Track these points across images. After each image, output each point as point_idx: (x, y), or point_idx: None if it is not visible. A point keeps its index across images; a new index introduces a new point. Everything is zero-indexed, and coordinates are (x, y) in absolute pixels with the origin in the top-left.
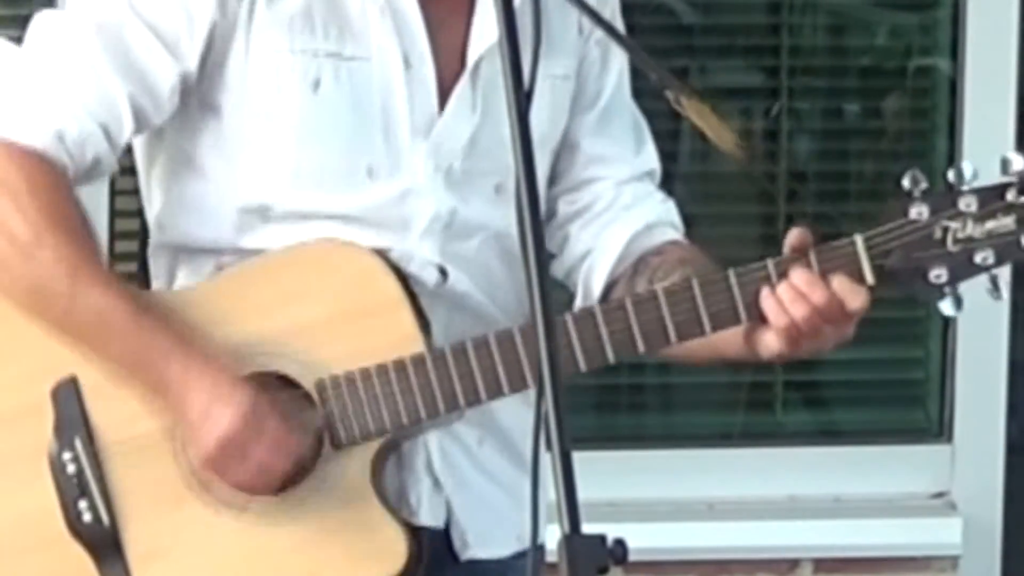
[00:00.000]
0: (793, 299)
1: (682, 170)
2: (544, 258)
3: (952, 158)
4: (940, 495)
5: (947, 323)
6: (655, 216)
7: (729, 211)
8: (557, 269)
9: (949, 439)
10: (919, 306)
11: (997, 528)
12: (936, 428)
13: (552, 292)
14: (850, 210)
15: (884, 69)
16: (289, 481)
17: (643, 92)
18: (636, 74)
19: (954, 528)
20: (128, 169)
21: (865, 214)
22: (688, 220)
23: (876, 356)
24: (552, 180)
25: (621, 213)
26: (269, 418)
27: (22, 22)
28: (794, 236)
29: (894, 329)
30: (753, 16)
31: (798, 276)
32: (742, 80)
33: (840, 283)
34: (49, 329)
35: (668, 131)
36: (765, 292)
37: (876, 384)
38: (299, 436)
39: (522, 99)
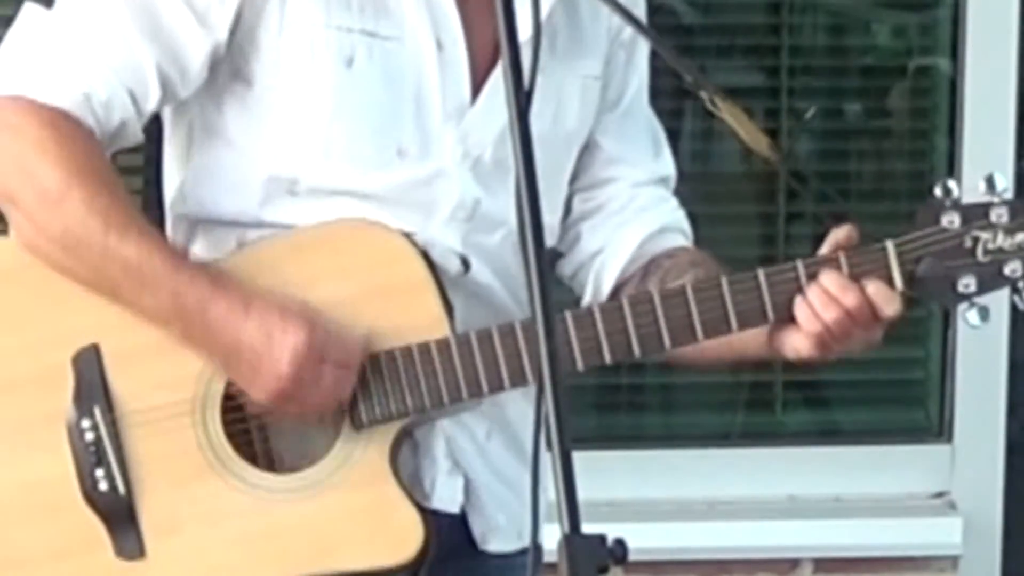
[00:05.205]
0: (825, 304)
1: (682, 170)
2: (544, 257)
3: (952, 158)
4: (940, 495)
5: (947, 323)
6: (668, 220)
7: (729, 211)
8: (565, 267)
9: (949, 439)
10: (919, 306)
11: (997, 528)
12: (936, 428)
13: (553, 292)
14: (850, 210)
15: (884, 69)
16: (308, 460)
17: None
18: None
19: (954, 528)
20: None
21: (865, 214)
22: (688, 220)
23: (876, 356)
24: (571, 178)
25: (636, 215)
26: (325, 330)
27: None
28: (841, 233)
29: (894, 329)
30: (753, 16)
31: (829, 279)
32: (742, 80)
33: (875, 288)
34: (81, 282)
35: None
36: (798, 299)
37: (876, 384)
38: (357, 339)
39: (522, 99)
